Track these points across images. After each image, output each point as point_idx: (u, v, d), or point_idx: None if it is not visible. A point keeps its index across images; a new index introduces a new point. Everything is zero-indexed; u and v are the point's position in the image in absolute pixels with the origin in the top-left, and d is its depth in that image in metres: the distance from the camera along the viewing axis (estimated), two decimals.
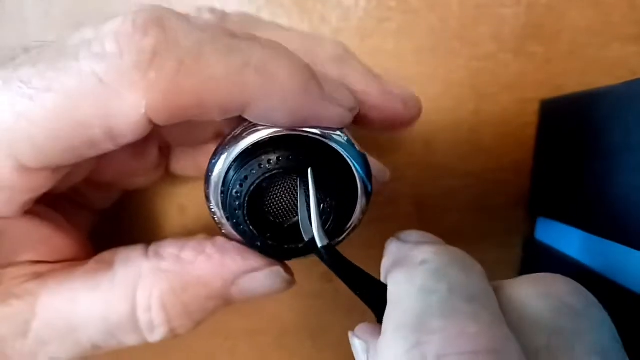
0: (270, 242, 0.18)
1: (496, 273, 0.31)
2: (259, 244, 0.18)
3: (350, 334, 0.17)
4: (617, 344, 0.14)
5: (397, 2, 0.29)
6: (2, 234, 0.17)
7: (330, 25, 0.29)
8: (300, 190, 0.17)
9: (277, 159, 0.17)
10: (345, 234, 0.19)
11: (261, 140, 0.17)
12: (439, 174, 0.30)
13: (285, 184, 0.17)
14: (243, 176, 0.17)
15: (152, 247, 0.19)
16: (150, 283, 0.17)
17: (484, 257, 0.31)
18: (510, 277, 0.30)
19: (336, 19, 0.29)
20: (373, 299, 0.16)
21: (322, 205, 0.17)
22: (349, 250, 0.18)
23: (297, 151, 0.17)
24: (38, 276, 0.18)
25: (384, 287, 0.16)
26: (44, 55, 0.15)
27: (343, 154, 0.17)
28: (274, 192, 0.17)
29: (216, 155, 0.17)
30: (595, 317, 0.14)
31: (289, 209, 0.18)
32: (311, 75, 0.16)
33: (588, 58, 0.29)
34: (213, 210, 0.18)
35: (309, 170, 0.17)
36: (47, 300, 0.17)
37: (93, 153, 0.16)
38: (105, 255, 0.19)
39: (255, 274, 0.18)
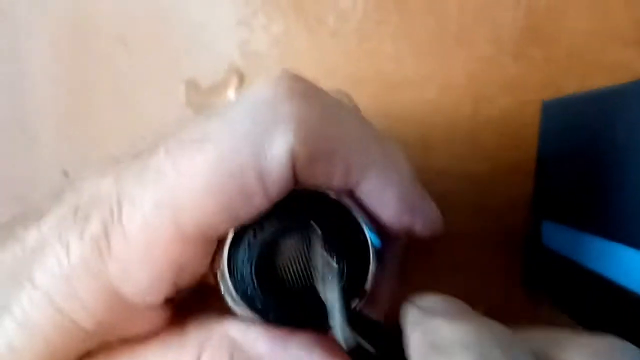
0: (283, 312, 0.17)
1: (496, 275, 0.31)
2: (271, 315, 0.17)
3: None
4: None
5: (395, 4, 0.29)
6: (134, 318, 0.17)
7: (327, 27, 0.29)
8: (315, 255, 0.17)
9: (287, 218, 0.16)
10: (361, 299, 0.18)
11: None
12: (437, 176, 0.30)
13: (295, 248, 0.17)
14: (260, 225, 0.16)
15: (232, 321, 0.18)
16: (218, 347, 0.17)
17: (484, 259, 0.31)
18: (511, 281, 0.30)
19: (333, 21, 0.29)
20: None
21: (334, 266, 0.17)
22: None
23: (307, 210, 0.17)
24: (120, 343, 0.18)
25: None
26: (200, 120, 0.16)
27: (355, 214, 0.17)
28: (284, 256, 0.17)
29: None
30: None
31: (302, 273, 0.17)
32: (415, 176, 0.18)
33: (587, 61, 0.29)
34: (220, 283, 0.17)
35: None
36: None
37: (246, 211, 0.16)
38: (181, 320, 0.19)
39: None
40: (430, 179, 0.30)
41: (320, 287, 0.16)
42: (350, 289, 0.17)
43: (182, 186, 0.15)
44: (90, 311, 0.16)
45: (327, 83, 0.20)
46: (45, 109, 0.32)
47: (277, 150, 0.15)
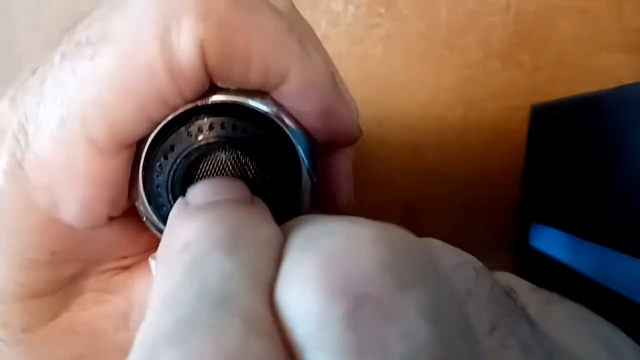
0: None
1: None
2: None
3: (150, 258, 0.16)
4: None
5: (386, 8, 0.29)
6: (91, 239, 0.16)
7: (319, 30, 0.29)
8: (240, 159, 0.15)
9: (209, 127, 0.15)
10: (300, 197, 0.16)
11: (190, 108, 0.14)
12: (427, 179, 0.30)
13: (217, 158, 0.15)
14: (169, 146, 0.15)
15: None
16: None
17: None
18: None
19: (325, 24, 0.29)
20: None
21: (259, 182, 0.15)
22: None
23: (234, 121, 0.15)
24: (126, 268, 0.18)
25: None
26: (94, 17, 0.14)
27: (286, 131, 0.15)
28: (204, 168, 0.15)
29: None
30: None
31: None
32: (335, 75, 0.16)
33: (576, 66, 0.29)
34: (137, 194, 0.16)
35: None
36: (142, 289, 0.17)
37: (161, 112, 0.14)
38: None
39: None
40: (421, 182, 0.30)
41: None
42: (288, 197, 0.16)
43: (86, 95, 0.13)
44: (38, 246, 0.15)
45: None
46: None
47: (185, 42, 0.13)
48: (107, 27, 0.14)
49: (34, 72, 0.15)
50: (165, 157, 0.15)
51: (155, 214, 0.15)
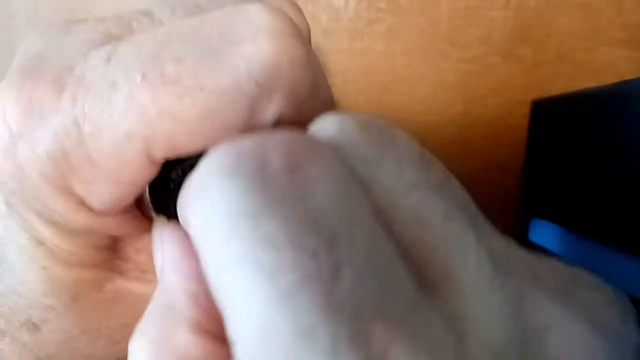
0: None
1: None
2: None
3: None
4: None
5: (387, 3, 0.29)
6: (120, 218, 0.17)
7: (320, 25, 0.29)
8: None
9: None
10: None
11: None
12: None
13: None
14: (188, 165, 0.16)
15: None
16: None
17: None
18: None
19: (326, 20, 0.29)
20: None
21: None
22: None
23: None
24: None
25: None
26: (187, 51, 0.15)
27: None
28: None
29: None
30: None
31: None
32: None
33: (576, 62, 0.29)
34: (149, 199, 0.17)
35: None
36: None
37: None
38: None
39: None
40: None
41: None
42: None
43: (162, 125, 0.14)
44: (76, 221, 0.16)
45: None
46: None
47: (269, 115, 0.14)
48: (201, 76, 0.14)
49: (106, 60, 0.15)
50: (184, 173, 0.16)
51: (155, 207, 0.17)
